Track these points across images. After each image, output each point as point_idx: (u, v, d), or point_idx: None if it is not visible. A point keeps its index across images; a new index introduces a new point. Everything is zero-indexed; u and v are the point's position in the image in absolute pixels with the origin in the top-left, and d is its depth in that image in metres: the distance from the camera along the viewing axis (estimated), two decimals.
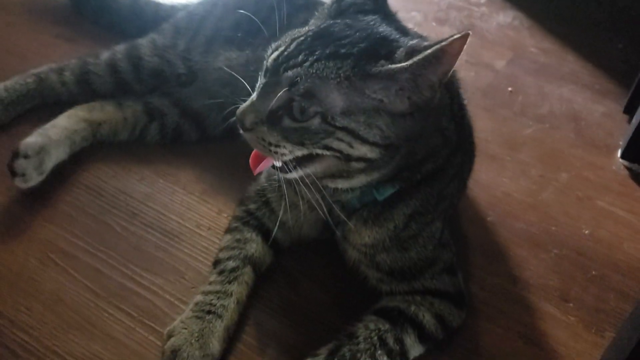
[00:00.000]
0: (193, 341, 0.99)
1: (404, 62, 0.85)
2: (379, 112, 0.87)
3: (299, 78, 0.86)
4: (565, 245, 1.28)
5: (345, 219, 1.05)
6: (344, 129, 0.87)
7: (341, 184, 0.98)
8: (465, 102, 1.13)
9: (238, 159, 1.39)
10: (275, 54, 0.91)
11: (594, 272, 1.23)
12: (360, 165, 0.91)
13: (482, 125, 1.49)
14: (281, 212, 1.16)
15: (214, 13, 1.45)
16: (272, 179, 1.17)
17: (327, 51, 0.88)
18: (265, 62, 0.93)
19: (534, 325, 1.13)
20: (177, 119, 1.43)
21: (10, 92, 1.42)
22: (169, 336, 1.01)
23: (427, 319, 1.03)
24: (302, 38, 0.91)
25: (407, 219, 1.03)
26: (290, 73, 0.87)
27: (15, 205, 1.27)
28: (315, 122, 0.87)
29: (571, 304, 1.17)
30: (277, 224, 1.17)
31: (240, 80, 1.34)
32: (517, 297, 1.17)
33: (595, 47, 1.90)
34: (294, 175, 0.95)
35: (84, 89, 1.46)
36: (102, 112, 1.40)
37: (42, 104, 1.46)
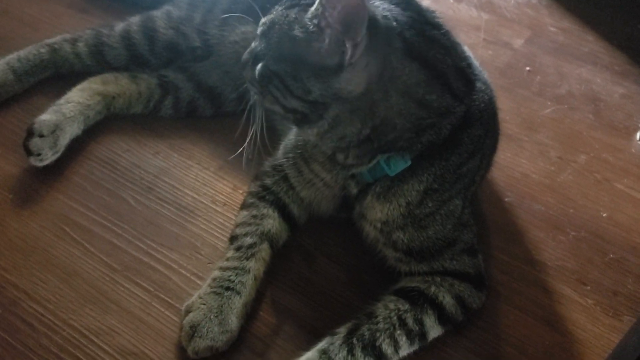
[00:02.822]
0: (212, 317, 0.99)
1: None
2: (303, 64, 0.91)
3: (266, 22, 0.96)
4: (583, 227, 1.26)
5: (360, 193, 1.05)
6: (276, 75, 0.93)
7: (303, 134, 1.05)
8: (482, 77, 1.11)
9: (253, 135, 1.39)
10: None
11: (611, 255, 1.22)
12: (297, 116, 0.97)
13: (500, 104, 1.45)
14: (299, 188, 1.15)
15: None
16: (289, 155, 1.15)
17: (289, 3, 0.95)
18: None
19: (552, 308, 1.12)
20: (191, 94, 1.41)
21: (23, 62, 1.40)
22: (187, 312, 1.01)
23: (447, 300, 1.03)
24: None
25: (421, 195, 1.01)
26: (265, 19, 0.97)
27: (28, 178, 1.26)
28: (263, 63, 0.95)
29: (589, 287, 1.16)
30: (295, 199, 1.17)
31: None
32: (535, 279, 1.16)
33: (614, 27, 1.86)
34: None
35: (98, 61, 1.44)
36: (116, 85, 1.38)
37: (55, 75, 1.45)
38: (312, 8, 0.89)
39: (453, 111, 0.97)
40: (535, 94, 1.60)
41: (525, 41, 1.78)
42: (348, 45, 0.86)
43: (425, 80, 0.93)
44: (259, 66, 0.96)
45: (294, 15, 0.92)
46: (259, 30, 0.98)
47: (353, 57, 0.87)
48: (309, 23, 0.89)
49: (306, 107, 0.94)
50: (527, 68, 1.68)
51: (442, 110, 0.95)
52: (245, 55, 1.02)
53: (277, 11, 0.96)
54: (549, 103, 1.57)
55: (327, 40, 0.88)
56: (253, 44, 1.00)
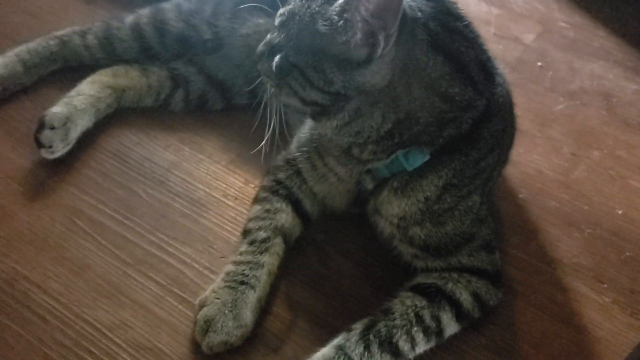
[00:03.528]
0: (227, 311, 0.98)
1: None
2: (325, 55, 0.89)
3: (284, 13, 0.94)
4: (598, 224, 1.25)
5: (376, 188, 1.04)
6: (296, 66, 0.92)
7: (320, 128, 1.01)
8: (500, 72, 1.09)
9: (264, 130, 1.38)
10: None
11: (628, 253, 1.21)
12: (316, 109, 0.95)
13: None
14: (312, 183, 1.14)
15: None
16: (302, 150, 1.14)
17: None
18: None
19: (569, 306, 1.11)
20: (202, 87, 1.40)
21: (33, 54, 1.39)
22: (201, 306, 1.00)
23: (465, 297, 1.02)
24: None
25: (439, 190, 1.00)
26: (283, 9, 0.95)
27: (39, 170, 1.25)
28: (281, 55, 0.93)
29: (605, 285, 1.15)
30: (308, 194, 1.16)
31: None
32: (551, 277, 1.15)
33: (626, 23, 1.85)
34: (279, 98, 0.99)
35: (108, 53, 1.43)
36: (127, 77, 1.37)
37: (64, 67, 1.43)
38: (340, 1, 0.88)
39: (475, 105, 0.95)
40: (547, 89, 1.59)
41: (536, 36, 1.77)
42: (380, 37, 0.85)
43: (449, 73, 0.92)
44: (277, 58, 0.94)
45: (316, 7, 0.90)
46: (277, 21, 0.96)
47: (385, 49, 0.86)
48: (336, 17, 0.87)
49: (326, 99, 0.93)
50: (539, 63, 1.67)
51: (464, 104, 0.94)
52: (260, 47, 1.00)
53: (296, 2, 0.93)
54: (561, 99, 1.56)
55: (357, 34, 0.86)
56: (269, 36, 0.98)
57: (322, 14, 0.89)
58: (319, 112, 0.96)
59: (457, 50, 0.93)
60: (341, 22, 0.87)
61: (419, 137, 0.95)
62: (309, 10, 0.91)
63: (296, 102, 0.97)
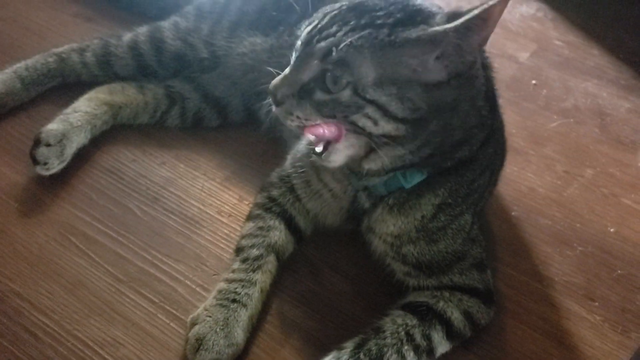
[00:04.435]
0: (218, 330, 0.98)
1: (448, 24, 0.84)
2: (411, 83, 0.86)
3: (332, 47, 0.85)
4: (590, 242, 1.26)
5: (370, 206, 1.04)
6: (373, 102, 0.86)
7: (367, 163, 0.96)
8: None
9: (259, 147, 1.39)
10: (309, 27, 0.90)
11: (619, 271, 1.21)
12: (382, 140, 0.90)
13: (506, 118, 1.44)
14: (306, 200, 1.15)
15: None
16: (297, 165, 1.15)
17: (362, 21, 0.86)
18: (298, 39, 0.92)
19: (560, 324, 1.11)
20: (198, 104, 1.41)
21: (31, 71, 1.41)
22: (193, 324, 1.00)
23: (456, 315, 1.02)
24: (335, 12, 0.90)
25: (435, 209, 1.01)
26: (323, 43, 0.86)
27: (34, 186, 1.26)
28: (346, 93, 0.86)
29: (597, 303, 1.15)
30: (301, 211, 1.16)
31: (264, 67, 1.33)
32: (542, 295, 1.15)
33: (620, 41, 1.87)
34: (335, 160, 0.93)
35: (105, 71, 1.44)
36: (123, 95, 1.38)
37: (62, 84, 1.45)
38: (433, 33, 0.83)
39: (488, 124, 0.99)
40: (541, 107, 1.60)
41: (530, 54, 1.78)
42: (470, 57, 0.87)
43: (485, 91, 0.95)
44: (347, 95, 0.86)
45: (388, 37, 0.84)
46: (314, 56, 0.87)
47: (472, 70, 0.89)
48: (430, 56, 0.85)
49: (402, 129, 0.88)
50: (533, 81, 1.68)
51: (486, 125, 0.98)
52: (282, 89, 0.90)
53: (351, 33, 0.85)
54: (555, 117, 1.57)
55: (451, 64, 0.86)
56: (291, 74, 0.90)
57: (403, 45, 0.84)
58: (384, 143, 0.90)
59: (486, 65, 0.97)
60: (437, 59, 0.85)
61: (432, 158, 0.96)
62: (378, 41, 0.84)
63: (355, 140, 0.92)
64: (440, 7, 0.93)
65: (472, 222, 1.06)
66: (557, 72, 1.73)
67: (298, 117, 0.91)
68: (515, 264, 1.21)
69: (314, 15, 0.95)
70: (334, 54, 0.85)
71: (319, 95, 0.88)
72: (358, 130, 0.89)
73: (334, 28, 0.87)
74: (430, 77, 0.86)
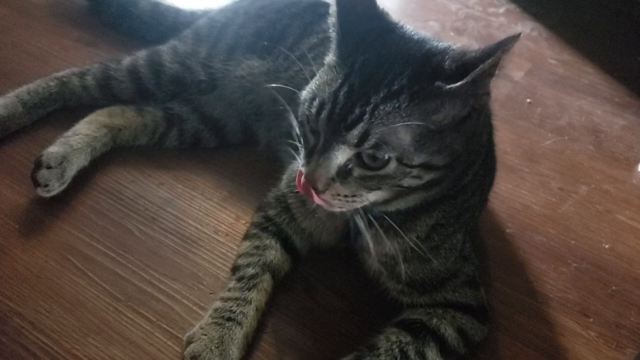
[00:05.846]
0: (213, 348, 0.99)
1: (459, 74, 0.83)
2: (444, 132, 0.87)
3: (365, 133, 0.84)
4: (585, 259, 1.27)
5: (366, 228, 1.05)
6: (420, 165, 0.87)
7: (395, 205, 0.97)
8: None
9: (256, 166, 1.41)
10: (325, 112, 0.87)
11: (614, 287, 1.22)
12: (420, 188, 0.92)
13: (501, 136, 1.49)
14: (301, 219, 1.16)
15: (235, 21, 1.46)
16: (292, 185, 1.16)
17: (381, 94, 0.85)
18: (307, 118, 0.90)
19: (554, 340, 1.12)
20: (196, 125, 1.43)
21: (32, 95, 1.43)
22: (189, 342, 1.01)
23: (449, 332, 1.03)
24: (345, 88, 0.86)
25: (429, 229, 1.03)
26: (355, 131, 0.84)
27: (35, 207, 1.28)
28: (392, 166, 0.86)
29: (591, 319, 1.16)
30: (297, 231, 1.18)
31: (261, 89, 1.36)
32: (537, 311, 1.16)
33: (614, 59, 1.89)
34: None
35: (105, 94, 1.47)
36: (123, 117, 1.40)
37: (63, 107, 1.48)
38: (451, 90, 0.83)
39: (485, 148, 1.03)
40: (535, 125, 1.62)
41: (525, 73, 1.81)
42: (485, 91, 0.89)
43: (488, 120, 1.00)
44: (392, 169, 0.86)
45: (404, 113, 0.84)
46: (347, 143, 0.86)
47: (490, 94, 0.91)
48: (452, 105, 0.86)
49: (440, 172, 0.90)
50: (528, 100, 1.70)
51: (484, 148, 1.03)
52: (321, 179, 0.88)
53: (369, 117, 0.84)
54: (550, 134, 1.59)
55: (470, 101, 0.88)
56: (325, 161, 0.87)
57: (426, 104, 0.85)
58: (420, 189, 0.92)
59: None
60: (465, 107, 0.87)
61: (455, 182, 0.99)
62: (403, 110, 0.84)
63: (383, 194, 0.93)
64: (438, 39, 0.93)
65: (464, 240, 1.07)
66: (551, 90, 1.75)
67: (345, 196, 0.90)
68: (510, 281, 1.21)
69: (314, 88, 0.91)
70: (369, 139, 0.84)
71: (359, 172, 0.88)
72: (400, 188, 0.90)
73: (357, 111, 0.85)
74: (455, 119, 0.88)
